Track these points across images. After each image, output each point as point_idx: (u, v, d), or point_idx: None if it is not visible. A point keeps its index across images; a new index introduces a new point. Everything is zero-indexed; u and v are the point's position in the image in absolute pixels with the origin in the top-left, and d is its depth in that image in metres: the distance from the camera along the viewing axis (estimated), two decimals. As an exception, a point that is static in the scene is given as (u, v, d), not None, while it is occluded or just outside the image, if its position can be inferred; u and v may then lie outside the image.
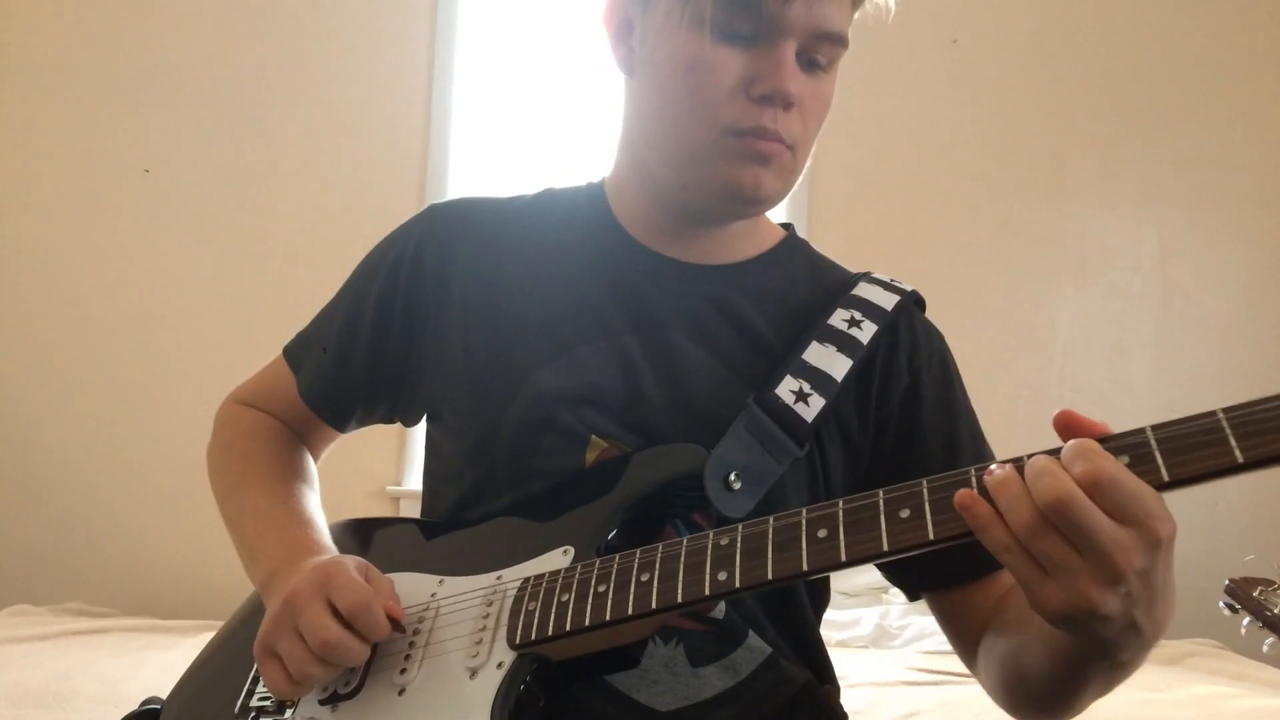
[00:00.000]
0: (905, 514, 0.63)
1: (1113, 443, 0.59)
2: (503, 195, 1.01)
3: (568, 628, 0.72)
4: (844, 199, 3.14)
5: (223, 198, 3.13)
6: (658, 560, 0.71)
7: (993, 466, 0.60)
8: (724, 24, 0.80)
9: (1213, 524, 2.95)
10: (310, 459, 1.05)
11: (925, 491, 0.63)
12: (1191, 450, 0.57)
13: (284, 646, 0.74)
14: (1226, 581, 1.36)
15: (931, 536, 0.61)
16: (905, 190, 3.22)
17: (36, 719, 1.55)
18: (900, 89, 3.19)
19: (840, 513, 0.65)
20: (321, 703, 0.78)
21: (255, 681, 0.85)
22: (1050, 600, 0.58)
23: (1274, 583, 1.32)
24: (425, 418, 1.00)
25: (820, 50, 0.82)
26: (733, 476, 0.80)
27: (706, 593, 0.68)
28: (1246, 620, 1.31)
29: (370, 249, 1.03)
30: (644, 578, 0.71)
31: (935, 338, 0.95)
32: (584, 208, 0.97)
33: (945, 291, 3.12)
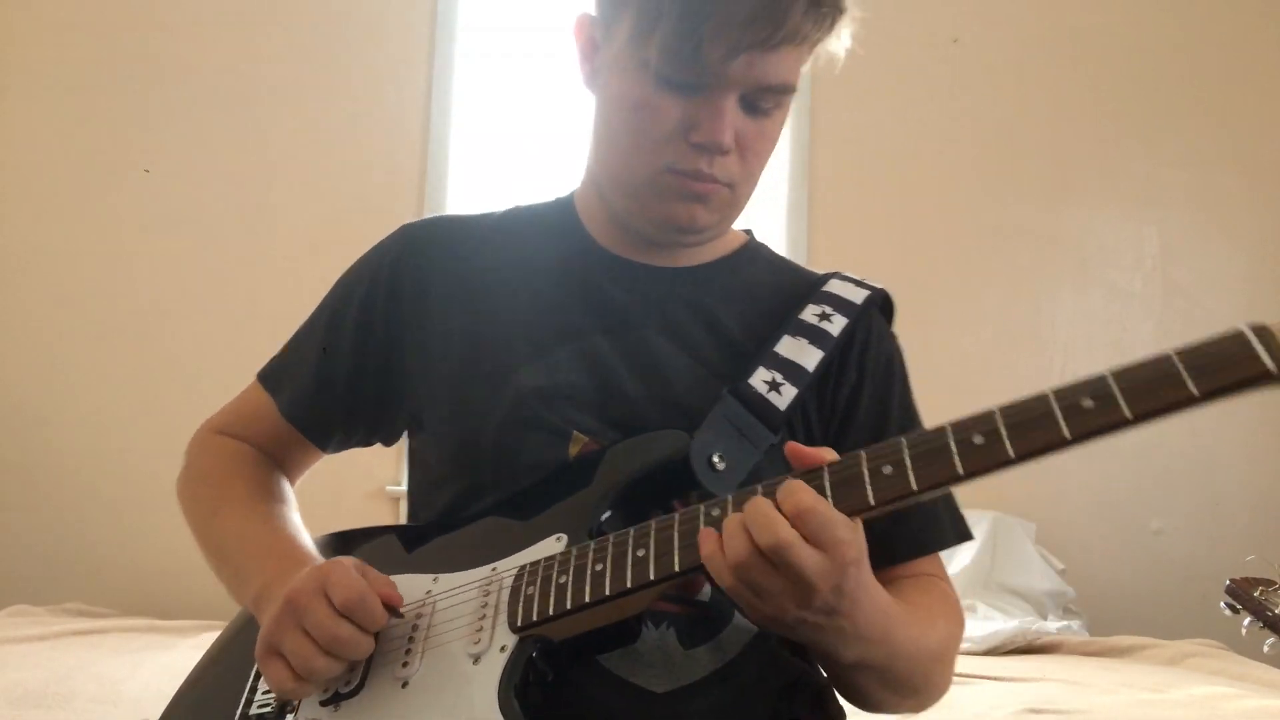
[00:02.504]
0: (888, 470, 0.68)
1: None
2: (472, 213, 1.05)
3: (569, 606, 0.74)
4: (844, 198, 3.14)
5: (223, 198, 3.13)
6: (651, 535, 0.74)
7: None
8: (667, 73, 0.83)
9: (1213, 525, 2.95)
10: (287, 484, 1.05)
11: (905, 447, 0.69)
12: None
13: (289, 645, 0.75)
14: (1227, 582, 1.36)
15: (915, 487, 0.67)
16: (905, 190, 3.22)
17: (36, 719, 1.55)
18: (901, 89, 3.19)
19: (826, 472, 0.71)
20: (323, 704, 0.78)
21: (254, 691, 0.85)
22: (762, 613, 0.70)
23: (1275, 583, 1.32)
24: (407, 433, 1.02)
25: (763, 99, 0.85)
26: (716, 458, 0.83)
27: (700, 557, 0.70)
28: (1247, 620, 1.31)
29: (342, 272, 1.04)
30: (640, 553, 0.73)
31: (887, 339, 0.99)
32: (554, 220, 1.01)
33: (946, 291, 3.14)
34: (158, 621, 2.46)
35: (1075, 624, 2.64)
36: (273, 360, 1.06)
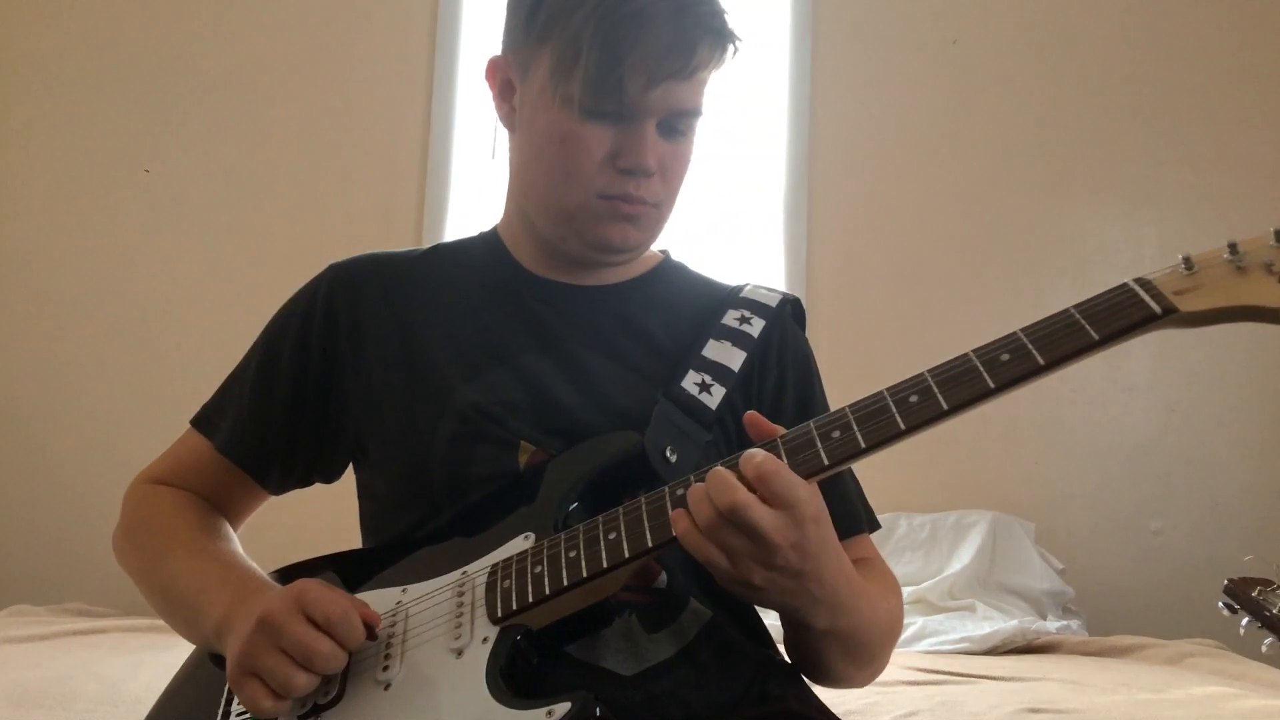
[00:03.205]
0: (837, 434, 0.74)
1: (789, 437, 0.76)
2: (395, 250, 1.09)
3: (548, 592, 0.77)
4: (843, 199, 3.14)
5: (223, 198, 3.13)
6: (620, 518, 0.78)
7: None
8: (591, 106, 0.90)
9: (1212, 525, 2.95)
10: (229, 526, 1.05)
11: (849, 413, 0.75)
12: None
13: (264, 663, 0.76)
14: (1225, 582, 1.37)
15: (863, 445, 0.73)
16: (904, 190, 3.22)
17: (37, 719, 1.55)
18: (900, 89, 3.20)
19: (780, 441, 0.77)
20: (302, 718, 0.79)
21: (227, 715, 0.85)
22: (734, 578, 0.73)
23: (1272, 583, 1.33)
24: (352, 467, 1.04)
25: (679, 123, 0.94)
26: (668, 450, 0.88)
27: (675, 533, 0.74)
28: (1245, 620, 1.32)
29: (275, 313, 1.07)
30: (611, 536, 0.77)
31: (801, 339, 1.07)
32: (480, 250, 1.07)
33: (944, 291, 3.14)
34: (158, 621, 2.45)
35: (1074, 623, 2.65)
36: (205, 406, 1.08)
